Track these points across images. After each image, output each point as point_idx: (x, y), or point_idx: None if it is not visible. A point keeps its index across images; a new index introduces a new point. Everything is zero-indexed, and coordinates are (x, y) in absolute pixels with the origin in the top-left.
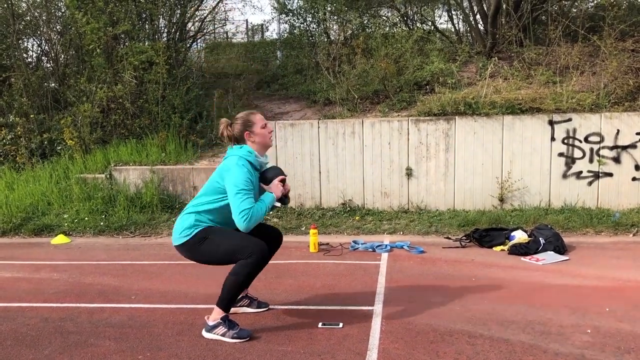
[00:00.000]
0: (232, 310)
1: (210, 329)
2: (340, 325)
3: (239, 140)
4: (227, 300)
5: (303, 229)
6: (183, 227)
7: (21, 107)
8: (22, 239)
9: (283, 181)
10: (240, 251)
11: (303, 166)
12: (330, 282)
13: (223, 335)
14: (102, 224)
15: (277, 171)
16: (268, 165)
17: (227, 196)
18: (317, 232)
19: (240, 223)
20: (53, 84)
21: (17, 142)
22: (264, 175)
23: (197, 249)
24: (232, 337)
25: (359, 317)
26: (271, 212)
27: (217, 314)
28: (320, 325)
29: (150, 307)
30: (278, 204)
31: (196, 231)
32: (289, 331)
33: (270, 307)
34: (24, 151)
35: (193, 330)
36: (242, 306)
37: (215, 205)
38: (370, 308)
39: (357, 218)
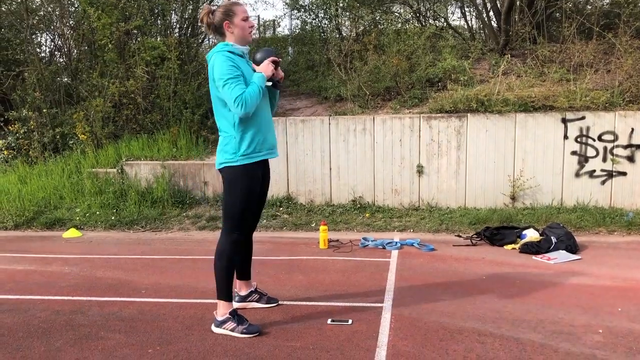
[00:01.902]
0: (242, 305)
1: (220, 324)
2: (350, 321)
3: (217, 29)
4: (222, 288)
5: (313, 225)
6: (228, 150)
7: (34, 102)
8: (34, 233)
9: (275, 62)
10: (231, 223)
11: (314, 162)
12: (340, 278)
13: (232, 330)
14: (113, 218)
15: (268, 52)
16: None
17: None
18: (327, 229)
19: (238, 111)
20: (66, 79)
21: (30, 136)
22: (254, 58)
23: (230, 180)
24: (242, 332)
25: (369, 314)
26: (282, 209)
27: (222, 308)
28: (329, 321)
29: (160, 301)
30: (269, 84)
31: (238, 164)
32: (298, 327)
33: (280, 302)
34: (37, 145)
35: (203, 324)
36: (252, 301)
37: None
38: (379, 305)
39: (367, 215)
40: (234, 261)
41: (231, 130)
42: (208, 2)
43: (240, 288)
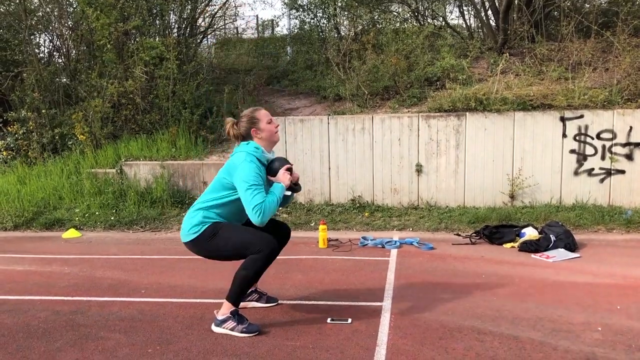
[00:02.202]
0: (242, 304)
1: (220, 324)
2: (349, 320)
3: (245, 138)
4: (236, 295)
5: (312, 224)
6: (192, 224)
7: (33, 102)
8: (33, 233)
9: (290, 170)
10: (249, 246)
11: (312, 162)
12: (339, 277)
13: (232, 329)
14: (112, 218)
15: (282, 161)
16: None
17: (234, 192)
18: (326, 228)
19: (255, 218)
20: (64, 79)
21: (29, 136)
22: (269, 167)
23: (206, 245)
24: (241, 332)
25: (368, 313)
26: (281, 208)
27: (226, 308)
28: (329, 320)
29: (160, 301)
30: (289, 193)
31: (204, 228)
32: (297, 326)
33: (280, 302)
34: (36, 146)
35: (202, 324)
36: (252, 301)
37: (223, 201)
38: (379, 304)
39: (366, 214)
40: (261, 272)
41: (205, 206)
42: (206, 3)
43: None
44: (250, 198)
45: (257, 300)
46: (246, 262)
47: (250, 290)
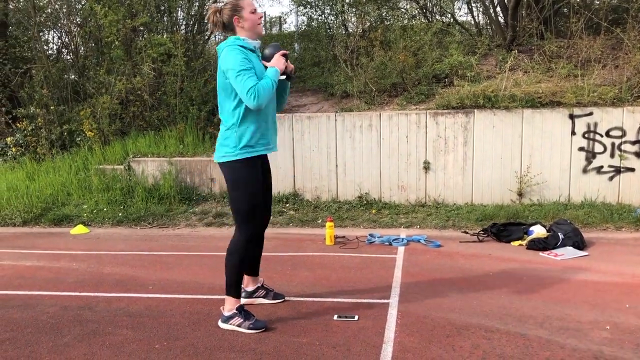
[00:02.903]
0: (249, 301)
1: (226, 320)
2: (356, 317)
3: (227, 27)
4: (232, 284)
5: (319, 221)
6: (229, 144)
7: (42, 99)
8: (42, 229)
9: (285, 56)
10: (242, 218)
11: (320, 159)
12: (346, 274)
13: (239, 325)
14: (120, 214)
15: (276, 47)
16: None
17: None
18: (333, 225)
19: (251, 102)
20: (73, 76)
21: (37, 133)
22: (263, 54)
23: (232, 175)
24: (248, 328)
25: (375, 310)
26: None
27: (229, 303)
28: (335, 317)
29: (167, 297)
30: (283, 77)
31: (239, 158)
32: (304, 323)
33: (286, 298)
34: (44, 142)
35: (209, 320)
36: (259, 297)
37: (242, 110)
38: (386, 301)
39: (373, 211)
40: (245, 258)
41: (233, 122)
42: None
43: (247, 284)
44: (242, 83)
45: (264, 297)
46: (230, 247)
47: (257, 287)
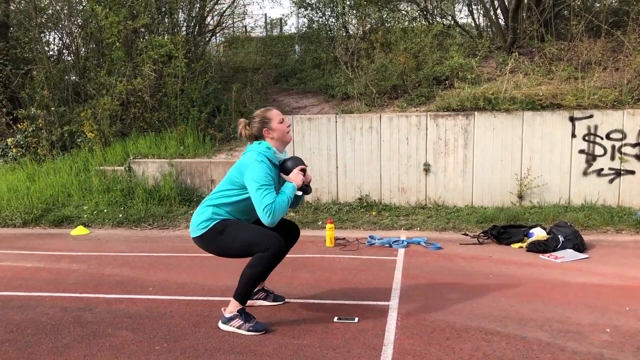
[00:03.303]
0: (249, 303)
1: (227, 321)
2: (356, 319)
3: (258, 138)
4: (243, 293)
5: (319, 223)
6: (200, 219)
7: (42, 100)
8: (42, 230)
9: (303, 170)
10: (256, 245)
11: (320, 161)
12: (347, 277)
13: (239, 327)
14: (120, 216)
15: (297, 160)
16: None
17: (244, 191)
18: (333, 227)
19: (265, 218)
20: (74, 77)
21: (38, 134)
22: (283, 166)
23: (214, 241)
24: (248, 330)
25: (375, 312)
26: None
27: (233, 306)
28: (335, 319)
29: (167, 299)
30: (300, 193)
31: (213, 224)
32: (304, 325)
33: (286, 300)
34: (45, 143)
35: (209, 322)
36: (259, 299)
37: (233, 199)
38: (386, 303)
39: (373, 213)
40: (267, 271)
41: (218, 203)
42: (214, 1)
43: None
44: (261, 198)
45: (264, 299)
46: (253, 260)
47: (257, 289)
